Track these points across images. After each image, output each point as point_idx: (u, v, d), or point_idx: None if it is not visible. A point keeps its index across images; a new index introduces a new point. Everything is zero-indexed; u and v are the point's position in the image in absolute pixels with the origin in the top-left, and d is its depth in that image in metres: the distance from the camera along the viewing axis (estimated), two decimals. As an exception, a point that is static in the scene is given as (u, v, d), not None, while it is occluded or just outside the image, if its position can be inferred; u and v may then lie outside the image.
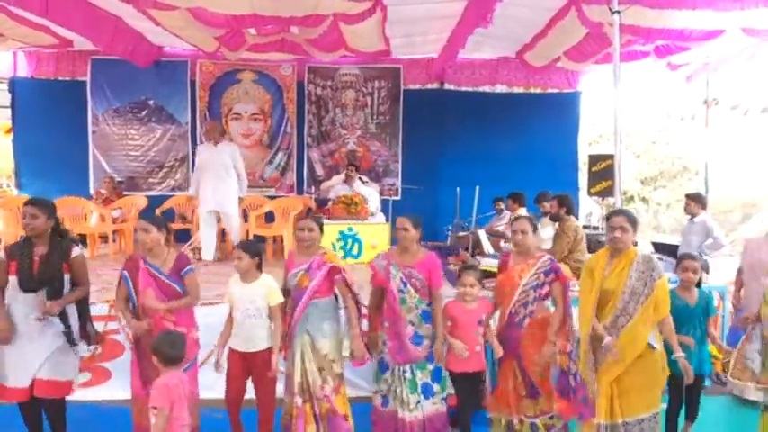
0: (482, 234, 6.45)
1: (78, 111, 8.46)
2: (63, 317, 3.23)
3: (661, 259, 5.68)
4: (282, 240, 6.93)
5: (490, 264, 5.55)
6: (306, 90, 8.87)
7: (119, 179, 8.46)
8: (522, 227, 3.44)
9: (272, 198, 8.25)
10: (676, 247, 6.54)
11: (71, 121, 8.43)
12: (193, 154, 8.71)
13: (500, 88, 9.02)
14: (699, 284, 3.64)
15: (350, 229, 6.67)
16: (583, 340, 3.26)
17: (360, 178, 7.81)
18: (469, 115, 8.75)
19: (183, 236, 7.50)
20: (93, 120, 8.54)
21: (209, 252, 6.64)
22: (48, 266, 3.20)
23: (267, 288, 3.36)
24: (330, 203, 7.16)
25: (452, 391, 3.60)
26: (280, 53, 7.91)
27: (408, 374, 3.37)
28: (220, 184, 6.51)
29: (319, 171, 8.97)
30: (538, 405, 3.37)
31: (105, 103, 8.54)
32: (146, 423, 3.08)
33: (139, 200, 7.81)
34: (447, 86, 8.96)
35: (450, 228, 7.47)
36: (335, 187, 7.59)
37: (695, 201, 6.00)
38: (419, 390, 3.38)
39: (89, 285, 3.40)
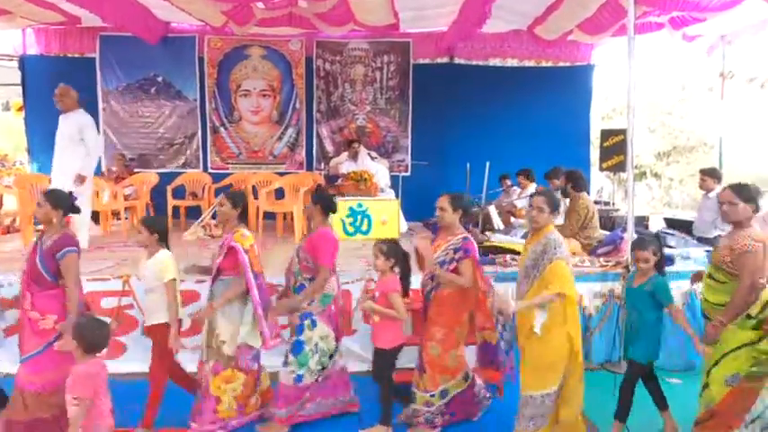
0: (492, 210, 6.43)
1: (88, 88, 8.43)
2: None
3: (673, 235, 5.65)
4: (293, 217, 6.95)
5: (500, 239, 5.56)
6: (314, 65, 8.79)
7: (130, 156, 8.51)
8: (442, 204, 3.49)
9: (281, 174, 8.27)
10: (690, 222, 6.48)
11: (81, 99, 8.32)
12: (203, 131, 8.76)
13: (511, 62, 8.90)
14: (660, 270, 3.39)
15: (359, 205, 6.67)
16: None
17: (369, 154, 7.79)
18: (480, 90, 8.64)
19: (194, 212, 7.56)
20: (103, 96, 8.55)
21: (83, 238, 5.56)
22: None
23: (160, 264, 3.39)
24: (340, 179, 7.16)
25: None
26: (288, 28, 7.82)
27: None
28: (63, 158, 5.72)
29: (329, 147, 8.94)
30: (421, 381, 3.50)
31: (115, 79, 8.54)
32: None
33: (150, 177, 7.86)
34: (457, 60, 8.85)
35: (460, 204, 7.43)
36: (344, 164, 7.58)
37: (710, 176, 5.93)
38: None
39: None
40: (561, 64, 8.92)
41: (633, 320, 3.40)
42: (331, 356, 3.61)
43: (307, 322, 3.50)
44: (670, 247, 5.30)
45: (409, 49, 8.81)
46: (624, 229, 4.98)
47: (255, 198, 7.35)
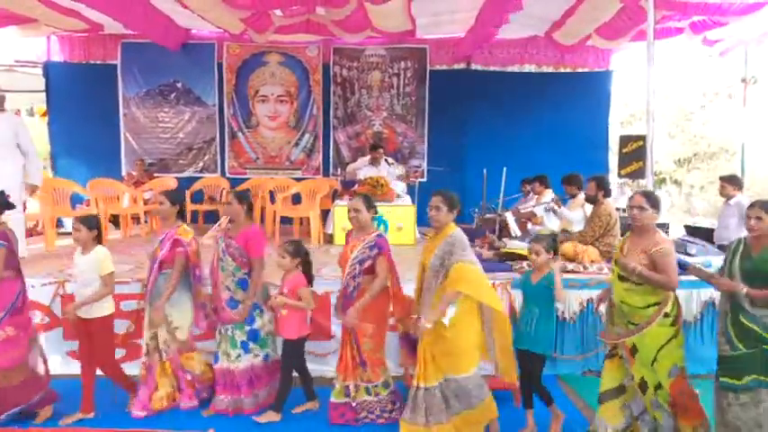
0: (509, 216, 6.39)
1: (110, 94, 8.62)
2: None
3: (694, 243, 5.55)
4: (309, 222, 6.98)
5: (517, 246, 5.52)
6: (331, 71, 8.84)
7: (150, 161, 8.63)
8: (357, 206, 3.67)
9: (298, 180, 8.31)
10: (711, 230, 6.38)
11: (103, 104, 8.60)
12: (221, 136, 8.85)
13: (528, 68, 8.86)
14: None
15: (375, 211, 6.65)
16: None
17: (386, 160, 7.79)
18: (497, 96, 8.61)
19: (212, 217, 7.63)
20: (124, 102, 8.69)
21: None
22: None
23: (98, 258, 3.61)
24: (357, 185, 7.17)
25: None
26: (306, 35, 7.89)
27: (229, 332, 3.81)
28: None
29: (345, 153, 8.98)
30: (365, 374, 3.66)
31: (135, 86, 8.68)
32: None
33: (169, 181, 7.95)
34: (474, 67, 8.83)
35: (476, 210, 7.42)
36: (363, 170, 7.59)
37: (730, 183, 5.84)
38: (239, 345, 3.81)
39: None
40: (580, 70, 8.86)
41: (535, 315, 3.52)
42: (274, 341, 3.98)
43: (256, 312, 3.82)
44: (690, 255, 5.22)
45: (426, 56, 8.83)
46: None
47: (272, 203, 7.39)
